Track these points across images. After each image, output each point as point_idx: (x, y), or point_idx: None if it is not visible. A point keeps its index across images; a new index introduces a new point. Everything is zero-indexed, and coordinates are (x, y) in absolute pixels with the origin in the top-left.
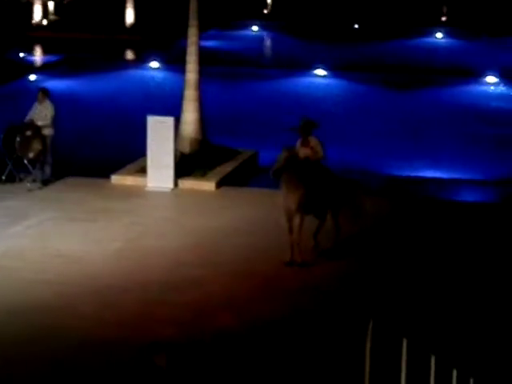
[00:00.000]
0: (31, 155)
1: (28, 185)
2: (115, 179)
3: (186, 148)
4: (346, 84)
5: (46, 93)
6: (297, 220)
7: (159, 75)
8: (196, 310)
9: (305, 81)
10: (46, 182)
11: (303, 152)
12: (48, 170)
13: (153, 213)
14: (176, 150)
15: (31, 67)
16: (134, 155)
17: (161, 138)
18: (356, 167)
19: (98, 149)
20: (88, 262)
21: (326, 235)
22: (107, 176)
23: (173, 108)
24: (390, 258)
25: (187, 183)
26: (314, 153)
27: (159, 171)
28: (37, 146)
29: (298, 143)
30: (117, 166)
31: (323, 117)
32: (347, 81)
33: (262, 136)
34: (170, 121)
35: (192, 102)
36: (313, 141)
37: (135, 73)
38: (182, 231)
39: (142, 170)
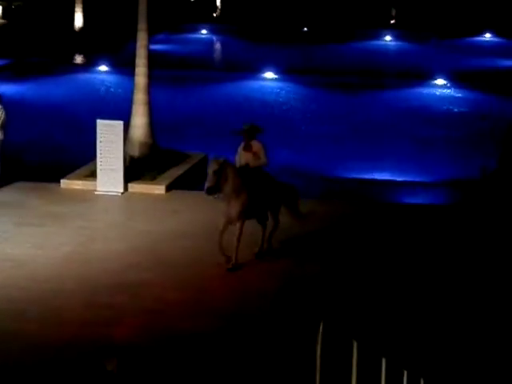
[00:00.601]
0: None
1: None
2: (64, 183)
3: (135, 152)
4: (295, 87)
5: None
6: (238, 226)
7: (108, 79)
8: (145, 313)
9: (254, 84)
10: None
11: (245, 157)
12: None
13: (102, 217)
14: (125, 154)
15: None
16: (83, 159)
17: (110, 141)
18: (303, 170)
19: (48, 153)
20: (36, 266)
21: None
22: (57, 180)
23: (122, 112)
24: (338, 259)
25: (137, 187)
26: (256, 158)
27: (109, 175)
28: None
29: (240, 147)
30: (66, 171)
31: (272, 120)
32: (296, 84)
33: (211, 139)
34: (119, 125)
35: (141, 106)
36: (256, 145)
37: (84, 76)
38: (130, 235)
39: (92, 174)
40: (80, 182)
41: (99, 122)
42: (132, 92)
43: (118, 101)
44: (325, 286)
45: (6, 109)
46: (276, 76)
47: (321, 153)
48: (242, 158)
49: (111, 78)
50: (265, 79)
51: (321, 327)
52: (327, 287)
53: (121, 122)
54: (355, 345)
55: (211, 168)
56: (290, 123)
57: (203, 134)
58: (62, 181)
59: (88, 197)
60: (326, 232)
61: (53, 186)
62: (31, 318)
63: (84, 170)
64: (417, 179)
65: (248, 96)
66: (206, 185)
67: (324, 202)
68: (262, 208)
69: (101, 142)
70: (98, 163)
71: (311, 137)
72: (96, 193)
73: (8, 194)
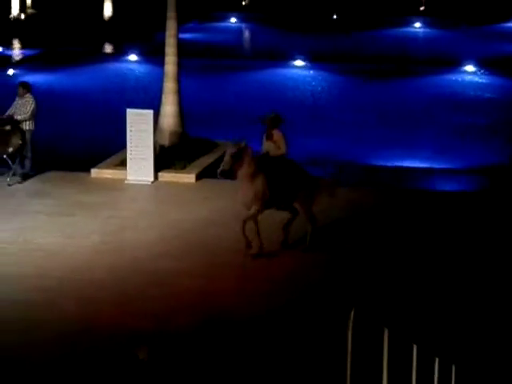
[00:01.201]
0: (10, 150)
1: (8, 179)
2: (95, 173)
3: (165, 141)
4: (325, 74)
5: (27, 87)
6: (252, 211)
7: (138, 68)
8: (174, 302)
9: (284, 72)
10: (25, 177)
11: (266, 145)
12: (28, 164)
13: (132, 206)
14: (155, 143)
15: (9, 61)
16: (113, 149)
17: (140, 130)
18: (334, 158)
19: (78, 143)
20: (66, 256)
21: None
22: (87, 170)
23: (152, 101)
24: (370, 248)
25: (167, 176)
26: (275, 147)
27: (139, 164)
28: (16, 140)
29: (264, 136)
30: (97, 160)
31: (302, 108)
32: (326, 71)
33: (241, 128)
34: (149, 114)
35: (171, 95)
36: (276, 135)
37: (114, 66)
38: (160, 224)
39: (122, 164)
40: (110, 171)
41: (129, 111)
42: (162, 81)
43: (147, 90)
44: (356, 273)
45: (36, 99)
46: (305, 64)
47: (352, 141)
48: (264, 146)
49: (141, 67)
50: (294, 67)
51: (352, 314)
52: (358, 275)
53: (151, 111)
54: (386, 332)
55: (229, 151)
56: (321, 111)
57: (233, 123)
58: (92, 170)
59: (118, 186)
60: (355, 220)
61: (83, 175)
62: (63, 308)
63: (114, 159)
64: (447, 166)
65: (277, 84)
66: (221, 167)
67: (355, 189)
68: (282, 196)
69: (131, 131)
70: (129, 152)
71: (342, 124)
72: (126, 182)
73: (39, 183)
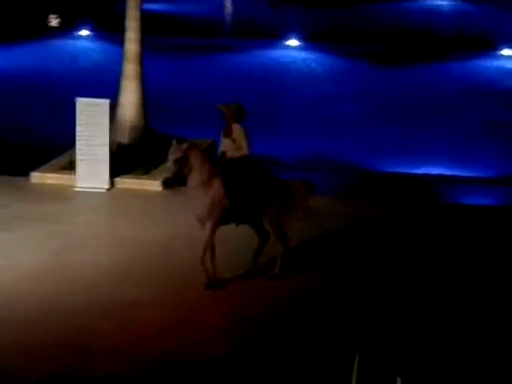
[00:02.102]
0: None
1: None
2: (36, 178)
3: (124, 138)
4: (324, 57)
5: None
6: (208, 228)
7: (91, 46)
8: (131, 338)
9: (273, 53)
10: None
11: (224, 144)
12: None
13: (81, 219)
14: (112, 141)
15: None
16: (59, 147)
17: (93, 125)
18: (332, 162)
19: (15, 138)
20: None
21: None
22: (25, 173)
23: (108, 88)
24: (375, 272)
25: (127, 182)
26: (234, 147)
27: (91, 167)
28: None
29: (222, 132)
30: (38, 161)
31: (296, 98)
32: (325, 53)
33: (219, 123)
34: (104, 104)
35: (132, 80)
36: (236, 131)
37: (60, 43)
38: (117, 242)
39: (70, 166)
40: (55, 176)
41: (79, 100)
42: (121, 63)
43: (102, 74)
44: (359, 306)
45: None
46: (300, 44)
47: (356, 141)
48: (220, 144)
49: (94, 46)
50: (287, 48)
51: (356, 360)
52: (362, 308)
53: (106, 101)
54: (399, 382)
55: (172, 155)
56: (318, 102)
57: (209, 116)
58: (32, 174)
59: (65, 194)
60: (357, 237)
61: (21, 180)
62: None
63: (60, 160)
64: (473, 174)
65: (266, 70)
66: (165, 176)
67: (357, 201)
68: (244, 207)
69: (81, 125)
70: (78, 152)
71: (342, 119)
72: (75, 189)
73: None
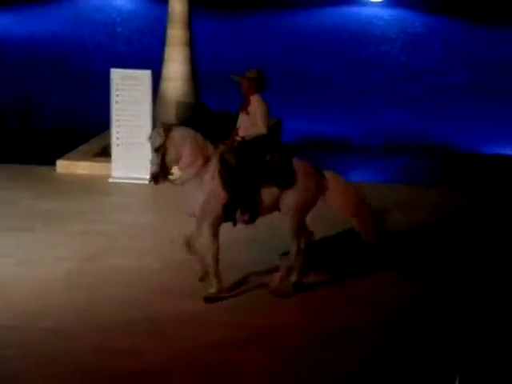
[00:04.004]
0: None
1: None
2: (63, 166)
3: (170, 116)
4: (414, 15)
5: None
6: (206, 230)
7: (126, 5)
8: (175, 363)
9: (350, 11)
10: None
11: (241, 121)
12: None
13: (119, 217)
14: (156, 120)
15: None
16: (91, 129)
17: (132, 102)
18: (426, 141)
19: (37, 120)
20: (20, 293)
21: None
22: (51, 162)
23: (149, 56)
24: (472, 277)
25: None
26: (250, 123)
27: (130, 153)
28: None
29: (240, 107)
30: (65, 147)
31: (377, 66)
32: (416, 11)
33: (287, 97)
34: (145, 75)
35: (179, 48)
36: (254, 103)
37: (92, 2)
38: (162, 245)
39: (104, 152)
40: (86, 165)
41: (114, 71)
42: (165, 26)
43: (142, 40)
44: (459, 319)
45: None
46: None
47: (452, 117)
48: (238, 121)
49: (130, 5)
50: (366, 4)
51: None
52: (463, 321)
53: (148, 72)
54: None
55: (153, 143)
56: (406, 71)
57: (274, 89)
58: (58, 162)
59: (98, 186)
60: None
61: (45, 169)
62: (14, 373)
63: (91, 145)
64: None
65: (340, 29)
66: (150, 170)
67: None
68: (247, 205)
69: (117, 102)
70: (114, 135)
71: (435, 91)
72: (111, 180)
73: None
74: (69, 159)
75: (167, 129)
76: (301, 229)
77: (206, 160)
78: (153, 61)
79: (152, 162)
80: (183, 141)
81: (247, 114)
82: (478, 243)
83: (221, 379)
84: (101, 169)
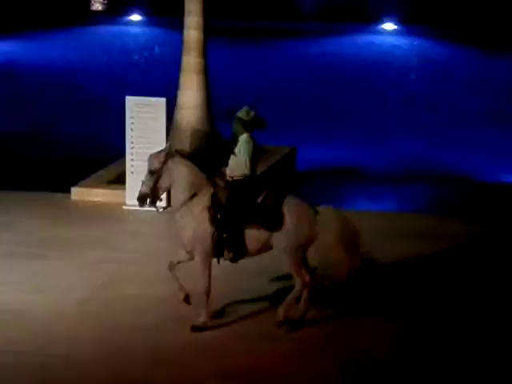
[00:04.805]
0: None
1: None
2: (77, 194)
3: (185, 144)
4: (427, 43)
5: None
6: (199, 260)
7: (144, 33)
8: None
9: (365, 39)
10: None
11: (230, 160)
12: None
13: (133, 245)
14: (170, 148)
15: None
16: (106, 156)
17: (146, 129)
18: (436, 170)
19: (52, 147)
20: (33, 320)
21: None
22: (66, 189)
23: (165, 84)
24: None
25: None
26: (236, 164)
27: None
28: None
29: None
30: (80, 174)
31: (392, 92)
32: (426, 39)
33: (300, 126)
34: (159, 103)
35: (194, 75)
36: (241, 144)
37: (106, 30)
38: (180, 272)
39: (118, 180)
40: (100, 192)
41: (130, 99)
42: (180, 54)
43: (158, 67)
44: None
45: None
46: (396, 27)
47: (462, 145)
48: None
49: (147, 33)
50: (381, 32)
51: None
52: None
53: (163, 100)
54: None
55: (150, 165)
56: (417, 97)
57: (287, 117)
58: (72, 189)
59: (112, 214)
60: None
61: (59, 197)
62: None
63: (106, 172)
64: None
65: (355, 58)
66: (139, 190)
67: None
68: (233, 243)
69: (132, 129)
70: (128, 162)
71: (449, 116)
72: (124, 207)
73: None
74: (83, 186)
75: (168, 155)
76: (300, 265)
77: (195, 191)
78: (168, 88)
79: (143, 182)
80: (178, 171)
81: (233, 153)
82: (490, 274)
83: None
84: (115, 196)
